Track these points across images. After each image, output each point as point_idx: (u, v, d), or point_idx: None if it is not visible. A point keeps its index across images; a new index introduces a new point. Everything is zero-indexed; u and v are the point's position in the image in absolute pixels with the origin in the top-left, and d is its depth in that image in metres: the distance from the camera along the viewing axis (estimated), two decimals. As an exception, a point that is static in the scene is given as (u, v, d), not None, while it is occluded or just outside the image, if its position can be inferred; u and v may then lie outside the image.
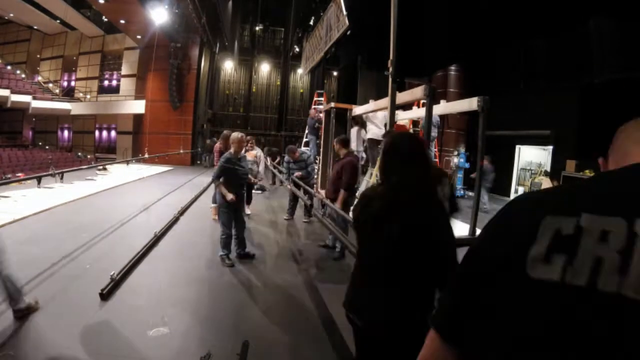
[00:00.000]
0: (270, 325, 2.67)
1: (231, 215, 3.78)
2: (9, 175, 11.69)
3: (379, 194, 1.36)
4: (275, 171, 9.53)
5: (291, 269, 3.85)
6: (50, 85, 20.75)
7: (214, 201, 5.30)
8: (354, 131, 7.32)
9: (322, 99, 11.87)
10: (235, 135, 3.86)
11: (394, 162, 1.36)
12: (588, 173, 7.88)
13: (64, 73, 21.13)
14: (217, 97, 20.11)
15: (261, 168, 6.73)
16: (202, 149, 17.17)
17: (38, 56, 21.56)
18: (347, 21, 7.29)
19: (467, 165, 11.39)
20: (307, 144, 9.87)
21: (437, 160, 8.63)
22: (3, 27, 21.02)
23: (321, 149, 8.73)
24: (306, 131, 9.97)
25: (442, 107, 6.03)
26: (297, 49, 18.85)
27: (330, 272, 3.80)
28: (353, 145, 6.93)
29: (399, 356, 1.20)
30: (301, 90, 21.60)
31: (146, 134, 16.56)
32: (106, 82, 20.41)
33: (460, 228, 5.94)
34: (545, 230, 0.47)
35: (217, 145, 5.35)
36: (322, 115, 7.76)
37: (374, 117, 7.33)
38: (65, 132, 20.79)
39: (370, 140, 7.31)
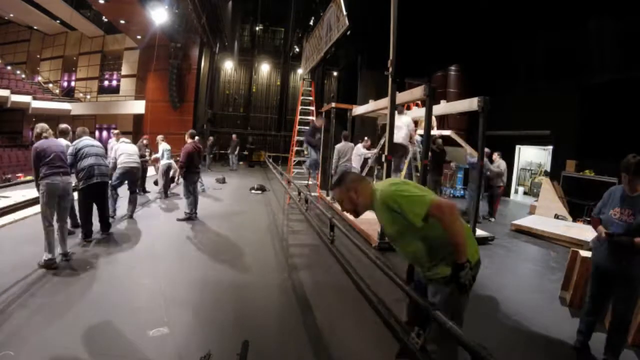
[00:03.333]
0: (270, 325, 2.67)
1: None
2: (9, 176, 11.71)
3: None
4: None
5: (290, 269, 3.85)
6: (50, 85, 20.78)
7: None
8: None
9: (310, 88, 10.10)
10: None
11: None
12: (588, 173, 7.88)
13: (64, 73, 21.16)
14: (217, 97, 20.09)
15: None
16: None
17: (38, 56, 21.59)
18: (347, 21, 7.28)
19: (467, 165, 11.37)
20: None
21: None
22: (3, 27, 21.06)
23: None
24: (303, 139, 7.97)
25: (442, 107, 6.01)
26: (297, 49, 18.83)
27: (328, 272, 3.80)
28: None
29: None
30: (301, 90, 21.61)
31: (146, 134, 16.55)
32: (106, 82, 20.44)
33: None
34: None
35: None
36: (317, 121, 7.52)
37: (399, 121, 7.03)
38: (65, 132, 20.78)
39: (396, 145, 6.94)
